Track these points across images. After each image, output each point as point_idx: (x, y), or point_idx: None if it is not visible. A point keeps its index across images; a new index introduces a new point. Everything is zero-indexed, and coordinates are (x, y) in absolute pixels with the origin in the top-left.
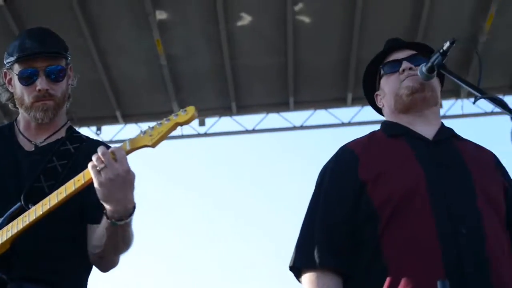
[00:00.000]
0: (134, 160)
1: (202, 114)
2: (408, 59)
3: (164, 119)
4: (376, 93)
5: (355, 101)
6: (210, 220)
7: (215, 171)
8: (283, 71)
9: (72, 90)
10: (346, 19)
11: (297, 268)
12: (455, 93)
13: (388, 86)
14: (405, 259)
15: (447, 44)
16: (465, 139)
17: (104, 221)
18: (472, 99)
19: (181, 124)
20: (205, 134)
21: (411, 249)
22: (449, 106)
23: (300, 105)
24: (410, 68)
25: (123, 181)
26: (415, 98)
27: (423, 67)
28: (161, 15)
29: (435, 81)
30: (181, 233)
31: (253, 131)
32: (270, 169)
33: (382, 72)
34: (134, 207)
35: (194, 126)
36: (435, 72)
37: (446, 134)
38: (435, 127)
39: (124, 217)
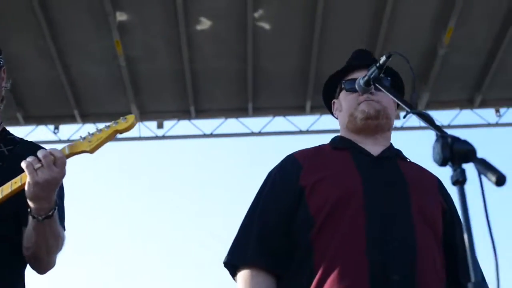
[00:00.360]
0: (89, 162)
1: (161, 116)
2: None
3: (105, 125)
4: (334, 100)
5: (314, 109)
6: (167, 222)
7: (171, 174)
8: (243, 76)
9: (31, 89)
10: (306, 27)
11: (232, 265)
12: (414, 105)
13: (345, 103)
14: (333, 264)
15: (383, 58)
16: (411, 161)
17: (31, 220)
18: (431, 111)
19: (120, 131)
20: (163, 137)
21: (339, 255)
22: (406, 118)
23: (258, 111)
24: (371, 93)
25: (56, 183)
26: (368, 123)
27: (361, 80)
28: (121, 16)
29: (391, 108)
30: (135, 234)
31: (211, 135)
32: (226, 173)
33: (343, 86)
34: (56, 203)
35: (152, 129)
36: (372, 86)
37: (392, 153)
38: (383, 147)
39: (48, 214)
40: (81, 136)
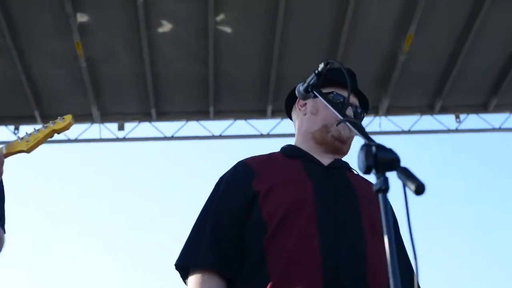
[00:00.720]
0: (48, 162)
1: (122, 118)
2: (358, 107)
3: (43, 125)
4: (305, 102)
5: (275, 113)
6: (126, 224)
7: (132, 175)
8: (204, 80)
9: None
10: (267, 31)
11: (183, 267)
12: (374, 110)
13: (325, 111)
14: (287, 269)
15: (321, 66)
16: (357, 173)
17: None
18: (391, 117)
19: (58, 131)
20: (124, 139)
21: (293, 260)
22: (367, 122)
23: (220, 114)
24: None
25: None
26: (336, 144)
27: (301, 87)
28: (82, 17)
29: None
30: (91, 236)
31: (172, 138)
32: (186, 176)
33: (332, 94)
34: None
35: (113, 130)
36: (311, 93)
37: (340, 164)
38: (332, 159)
39: None
40: (18, 136)
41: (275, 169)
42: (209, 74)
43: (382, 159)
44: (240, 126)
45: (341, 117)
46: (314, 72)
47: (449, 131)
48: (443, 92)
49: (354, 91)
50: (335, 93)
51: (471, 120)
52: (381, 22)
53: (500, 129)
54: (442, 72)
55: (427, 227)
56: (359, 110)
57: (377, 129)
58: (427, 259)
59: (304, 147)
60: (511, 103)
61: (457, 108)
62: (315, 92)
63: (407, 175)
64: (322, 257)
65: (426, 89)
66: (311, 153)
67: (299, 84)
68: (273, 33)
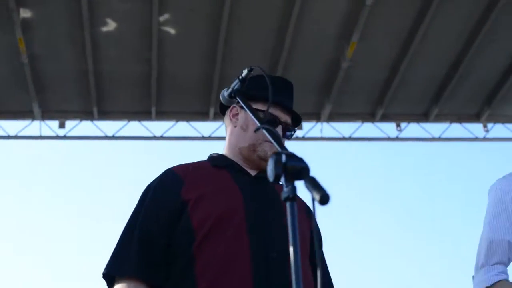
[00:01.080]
0: None
1: (63, 116)
2: (288, 127)
3: None
4: (237, 112)
5: (217, 116)
6: (64, 222)
7: (72, 174)
8: (147, 80)
9: None
10: (211, 34)
11: (110, 276)
12: (316, 116)
13: (252, 128)
14: (216, 278)
15: (245, 71)
16: (281, 184)
17: None
18: (333, 123)
19: None
20: (64, 137)
21: (222, 269)
22: (309, 128)
23: (162, 115)
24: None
25: None
26: (262, 164)
27: (225, 92)
28: (25, 13)
29: None
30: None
31: (113, 137)
32: (127, 176)
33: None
34: None
35: (53, 128)
36: (235, 99)
37: (266, 175)
38: (259, 170)
39: None
40: None
41: (204, 178)
42: (152, 75)
43: (291, 168)
44: (182, 127)
45: (259, 124)
46: (238, 78)
47: (389, 138)
48: (385, 100)
49: (287, 108)
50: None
51: (412, 128)
52: (325, 29)
53: (440, 139)
54: (385, 80)
55: (363, 231)
56: (289, 132)
57: (318, 135)
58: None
59: (231, 157)
60: (452, 113)
61: (398, 116)
62: (238, 98)
63: (313, 185)
64: (252, 266)
65: (368, 96)
66: (238, 163)
67: (223, 89)
68: (217, 36)
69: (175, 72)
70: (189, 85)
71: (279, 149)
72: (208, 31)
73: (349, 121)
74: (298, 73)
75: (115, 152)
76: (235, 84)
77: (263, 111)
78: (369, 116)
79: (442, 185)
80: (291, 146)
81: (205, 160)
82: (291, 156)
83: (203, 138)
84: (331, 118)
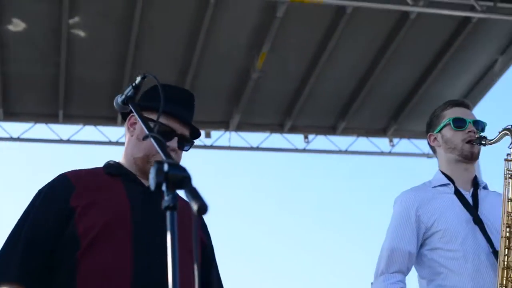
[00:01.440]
0: None
1: None
2: (185, 140)
3: None
4: (135, 122)
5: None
6: None
7: None
8: (55, 82)
9: None
10: (121, 39)
11: None
12: (225, 125)
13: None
14: (96, 287)
15: (138, 79)
16: (178, 195)
17: None
18: (241, 133)
19: None
20: None
21: (103, 279)
22: (217, 137)
23: (69, 118)
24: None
25: None
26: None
27: (119, 98)
28: None
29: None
30: None
31: (18, 139)
32: (33, 179)
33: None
34: None
35: None
36: (127, 105)
37: None
38: None
39: None
40: None
41: (96, 186)
42: (60, 77)
43: (172, 177)
44: (90, 132)
45: (147, 132)
46: (132, 85)
47: (297, 150)
48: (294, 112)
49: (185, 121)
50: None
51: (319, 141)
52: (236, 38)
53: (346, 152)
54: (294, 92)
55: (270, 239)
56: (187, 145)
57: (226, 144)
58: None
59: (127, 165)
60: (359, 127)
61: (306, 128)
62: (130, 105)
63: (192, 195)
64: (133, 278)
65: (277, 107)
66: (134, 172)
67: (117, 96)
68: (127, 41)
69: (83, 76)
70: (97, 89)
71: (164, 158)
72: (118, 36)
73: (257, 131)
74: (208, 81)
75: (21, 154)
76: (129, 90)
77: (155, 121)
78: (278, 127)
79: (347, 198)
80: (200, 154)
81: (101, 167)
82: (173, 165)
83: (110, 143)
84: (240, 127)
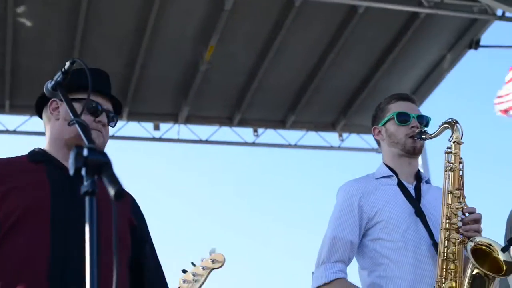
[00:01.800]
0: None
1: None
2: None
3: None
4: (58, 106)
5: None
6: None
7: None
8: (1, 72)
9: None
10: (68, 29)
11: None
12: (174, 118)
13: (65, 118)
14: (13, 274)
15: (67, 64)
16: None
17: None
18: (190, 126)
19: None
20: None
21: (19, 267)
22: (166, 129)
23: (16, 109)
24: (100, 121)
25: None
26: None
27: (49, 84)
28: None
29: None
30: None
31: None
32: None
33: (65, 92)
34: None
35: None
36: (57, 91)
37: None
38: None
39: None
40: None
41: (17, 173)
42: (5, 67)
43: (92, 162)
44: (37, 122)
45: (73, 117)
46: (61, 70)
47: (246, 143)
48: (243, 105)
49: (108, 95)
50: (91, 101)
51: (269, 134)
52: (184, 31)
53: (296, 146)
54: (243, 85)
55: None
56: (111, 115)
57: (175, 137)
58: None
59: (52, 151)
60: (308, 121)
61: (255, 122)
62: (58, 91)
63: (111, 180)
64: (49, 266)
65: (226, 100)
66: (59, 158)
67: (47, 82)
68: (74, 31)
69: (30, 65)
70: (45, 79)
71: (86, 143)
72: (65, 26)
73: (206, 124)
74: (156, 73)
75: None
76: (58, 76)
77: (84, 99)
78: (227, 120)
79: (296, 191)
80: (148, 146)
81: (25, 155)
82: (93, 150)
83: None
84: (189, 120)
